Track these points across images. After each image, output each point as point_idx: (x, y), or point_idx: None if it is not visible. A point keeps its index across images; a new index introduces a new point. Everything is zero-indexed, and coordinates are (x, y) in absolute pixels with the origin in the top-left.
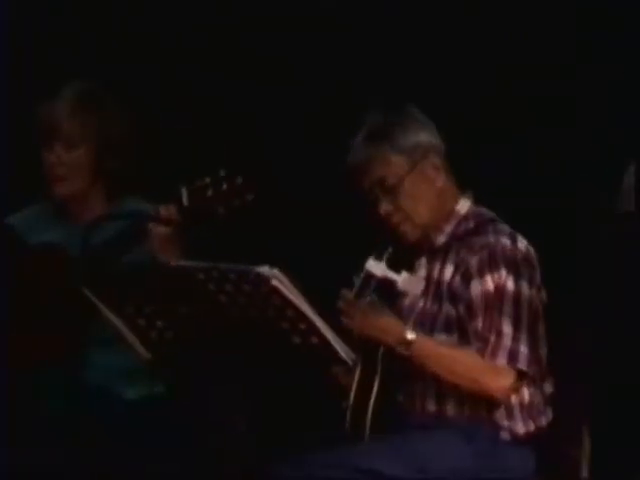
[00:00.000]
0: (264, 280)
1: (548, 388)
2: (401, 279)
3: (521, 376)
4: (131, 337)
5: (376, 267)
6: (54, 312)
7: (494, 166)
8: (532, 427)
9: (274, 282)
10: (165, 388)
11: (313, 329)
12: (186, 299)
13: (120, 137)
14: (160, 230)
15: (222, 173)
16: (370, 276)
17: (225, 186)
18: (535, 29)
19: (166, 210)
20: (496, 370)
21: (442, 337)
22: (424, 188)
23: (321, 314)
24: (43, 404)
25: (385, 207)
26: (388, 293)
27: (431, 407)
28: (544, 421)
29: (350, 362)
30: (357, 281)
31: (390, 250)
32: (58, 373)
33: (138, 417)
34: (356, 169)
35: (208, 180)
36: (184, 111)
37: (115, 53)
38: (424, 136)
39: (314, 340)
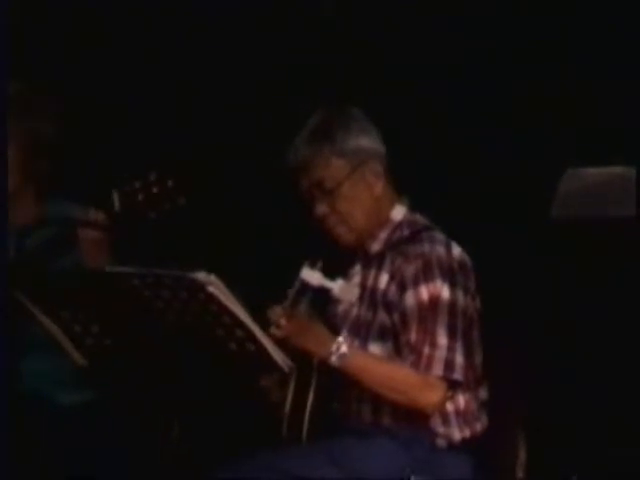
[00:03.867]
0: (200, 286)
1: (483, 394)
2: (337, 287)
3: (455, 385)
4: (66, 343)
5: (311, 275)
6: None
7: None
8: (467, 433)
9: (210, 288)
10: (99, 394)
11: (250, 336)
12: (121, 305)
13: (50, 138)
14: (88, 235)
15: (153, 176)
16: (305, 285)
17: (156, 190)
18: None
19: (95, 214)
20: (426, 385)
21: (377, 345)
22: (362, 193)
23: (257, 321)
24: None
25: (322, 209)
26: (322, 300)
27: (367, 413)
28: (479, 427)
29: (287, 369)
30: (291, 291)
31: (323, 258)
32: None
33: (71, 422)
34: (296, 168)
35: (138, 184)
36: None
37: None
38: (366, 141)
39: (250, 347)
